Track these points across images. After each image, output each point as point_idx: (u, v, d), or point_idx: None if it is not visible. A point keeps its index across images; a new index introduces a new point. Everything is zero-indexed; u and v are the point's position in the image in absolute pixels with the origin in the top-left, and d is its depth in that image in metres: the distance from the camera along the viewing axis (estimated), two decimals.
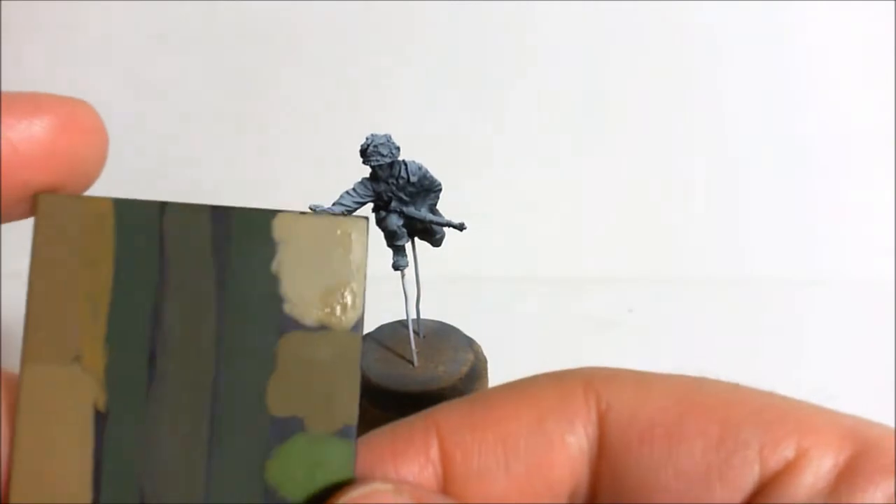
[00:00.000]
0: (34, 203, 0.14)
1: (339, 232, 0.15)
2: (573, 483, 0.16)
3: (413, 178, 0.31)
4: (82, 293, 0.14)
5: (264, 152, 0.54)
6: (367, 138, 0.31)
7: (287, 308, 0.14)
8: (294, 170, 0.54)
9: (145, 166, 0.51)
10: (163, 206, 0.14)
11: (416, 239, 0.33)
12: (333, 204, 0.31)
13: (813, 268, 0.52)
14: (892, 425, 0.34)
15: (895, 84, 0.52)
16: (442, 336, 0.36)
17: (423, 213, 0.32)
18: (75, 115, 0.14)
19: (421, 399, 0.32)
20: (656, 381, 0.16)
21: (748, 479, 0.15)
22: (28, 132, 0.13)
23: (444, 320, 0.37)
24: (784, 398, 0.16)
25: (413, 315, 0.34)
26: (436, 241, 0.33)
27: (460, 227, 0.32)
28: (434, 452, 0.15)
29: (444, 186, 0.32)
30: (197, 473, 0.14)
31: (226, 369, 0.14)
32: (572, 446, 0.15)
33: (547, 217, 0.54)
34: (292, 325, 0.14)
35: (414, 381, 0.33)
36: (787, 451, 0.15)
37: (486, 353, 0.36)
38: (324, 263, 0.15)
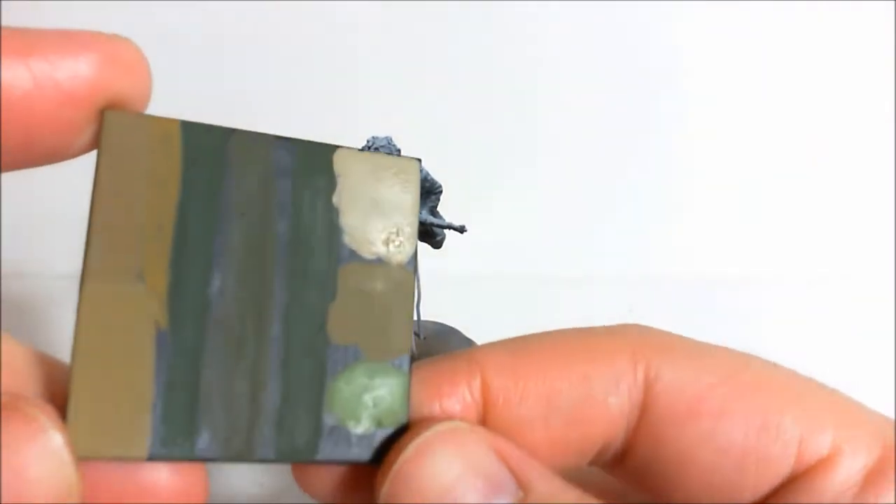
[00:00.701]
0: (100, 119, 0.13)
1: (393, 170, 0.15)
2: (608, 440, 0.16)
3: None
4: (148, 212, 0.14)
5: None
6: (367, 140, 0.31)
7: (346, 239, 0.15)
8: None
9: None
10: (230, 132, 0.14)
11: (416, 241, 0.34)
12: None
13: (813, 268, 0.52)
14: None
15: (895, 86, 0.52)
16: (442, 338, 0.36)
17: (424, 215, 0.32)
18: (118, 51, 0.14)
19: None
20: (706, 354, 0.16)
21: (782, 468, 0.15)
22: (72, 70, 0.13)
23: (444, 322, 0.37)
24: (821, 385, 0.16)
25: (413, 317, 0.35)
26: (436, 243, 0.33)
27: (461, 230, 0.32)
28: (477, 394, 0.15)
29: (444, 188, 0.32)
30: (259, 396, 0.14)
31: (288, 295, 0.14)
32: (613, 407, 0.15)
33: (547, 217, 0.54)
34: (351, 256, 0.15)
35: None
36: (823, 446, 0.15)
37: None
38: (379, 200, 0.15)
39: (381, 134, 0.31)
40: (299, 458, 0.14)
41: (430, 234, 0.33)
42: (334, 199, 0.15)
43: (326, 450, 0.14)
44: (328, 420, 0.14)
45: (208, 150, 0.14)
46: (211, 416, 0.14)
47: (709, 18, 0.53)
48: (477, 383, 0.15)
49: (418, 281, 0.34)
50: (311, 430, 0.14)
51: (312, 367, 0.14)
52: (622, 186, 0.55)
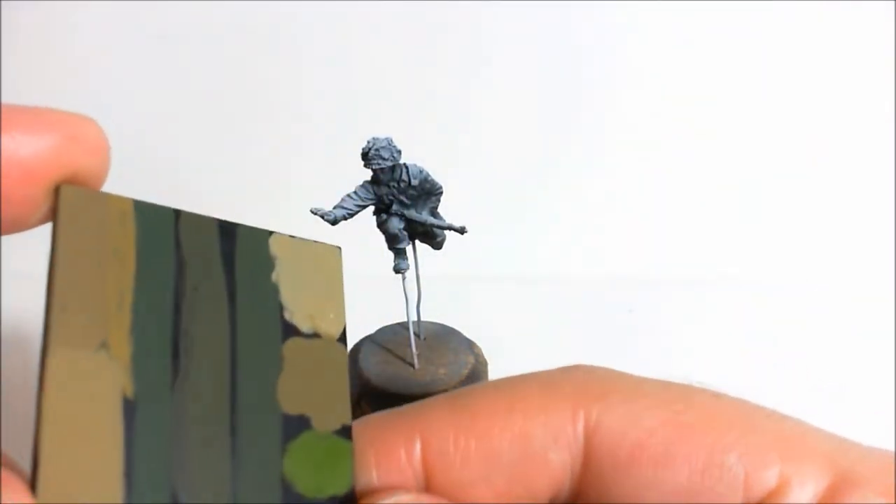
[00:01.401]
0: (56, 194, 0.14)
1: (316, 255, 0.17)
2: (554, 492, 0.16)
3: (414, 182, 0.31)
4: (108, 282, 0.14)
5: (265, 155, 0.54)
6: (368, 141, 0.31)
7: (287, 315, 0.16)
8: (295, 172, 0.54)
9: (146, 167, 0.51)
10: (177, 213, 0.15)
11: (416, 242, 0.34)
12: (335, 207, 0.32)
13: (813, 268, 0.52)
14: (892, 426, 0.35)
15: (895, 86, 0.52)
16: (442, 338, 0.36)
17: (424, 216, 0.32)
18: (81, 131, 0.14)
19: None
20: (648, 394, 0.16)
21: None
22: (36, 148, 0.13)
23: (444, 322, 0.37)
24: (769, 414, 0.16)
25: (414, 317, 0.35)
26: (437, 243, 0.33)
27: (461, 231, 0.32)
28: (416, 459, 0.16)
29: (444, 189, 0.32)
30: (223, 467, 0.14)
31: (240, 369, 0.15)
32: (555, 462, 0.15)
33: (547, 218, 0.54)
34: (293, 331, 0.16)
35: (414, 383, 0.33)
36: (770, 480, 0.15)
37: (486, 354, 0.36)
38: (310, 280, 0.16)
39: (381, 136, 0.31)
40: None
41: (430, 234, 0.33)
42: (273, 278, 0.16)
43: None
44: (286, 490, 0.15)
45: (159, 228, 0.15)
46: (182, 488, 0.14)
47: (707, 19, 0.53)
48: (416, 447, 0.16)
49: (418, 281, 0.34)
50: (277, 497, 0.15)
51: (270, 437, 0.15)
52: (622, 186, 0.55)
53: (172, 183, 0.54)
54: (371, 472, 0.16)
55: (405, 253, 0.33)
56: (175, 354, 0.14)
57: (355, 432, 0.16)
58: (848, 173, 0.54)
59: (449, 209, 0.33)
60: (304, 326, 0.16)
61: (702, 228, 0.53)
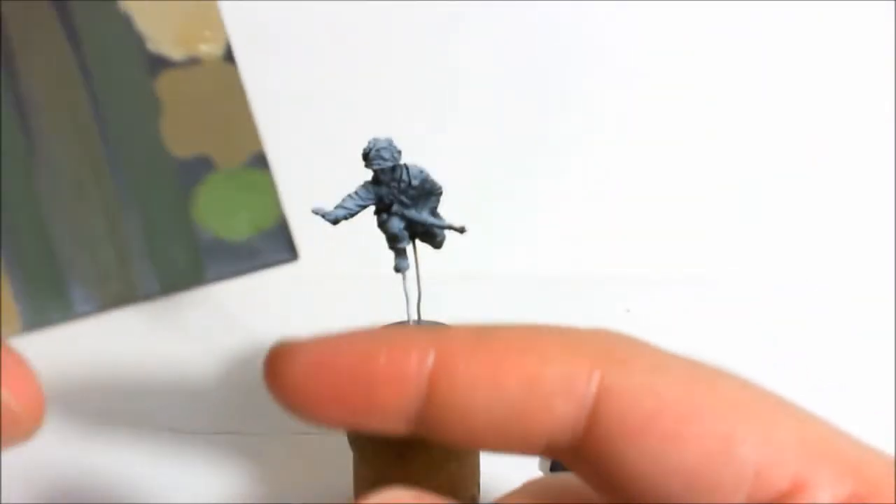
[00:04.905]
0: None
1: None
2: (549, 443, 0.15)
3: (414, 182, 0.31)
4: None
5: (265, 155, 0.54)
6: (369, 142, 0.31)
7: (150, 46, 0.13)
8: (295, 172, 0.54)
9: None
10: None
11: (417, 241, 0.34)
12: (336, 207, 0.32)
13: (813, 268, 0.52)
14: (892, 426, 0.35)
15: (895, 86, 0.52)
16: None
17: (425, 216, 0.32)
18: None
19: None
20: (671, 367, 0.15)
21: (735, 498, 0.14)
22: None
23: (444, 321, 0.37)
24: (796, 413, 0.15)
25: (414, 317, 0.35)
26: (437, 243, 0.33)
27: (461, 230, 0.32)
28: (425, 370, 0.15)
29: (444, 189, 0.32)
30: (119, 231, 0.13)
31: (110, 126, 0.13)
32: (558, 412, 0.15)
33: (546, 217, 0.54)
34: (162, 62, 0.13)
35: None
36: (783, 479, 0.14)
37: None
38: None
39: (382, 136, 0.31)
40: (187, 285, 0.13)
41: (430, 234, 0.33)
42: (121, 6, 0.13)
43: (212, 268, 0.13)
44: (204, 236, 0.13)
45: None
46: (74, 268, 0.12)
47: (708, 19, 0.53)
48: (429, 359, 0.15)
49: (419, 281, 0.34)
50: (189, 252, 0.13)
51: (165, 186, 0.13)
52: (621, 187, 0.55)
53: None
54: (377, 364, 0.15)
55: (405, 252, 0.33)
56: (26, 131, 0.12)
57: (375, 332, 0.15)
58: (848, 173, 0.54)
59: (449, 209, 0.33)
60: (176, 54, 0.14)
61: (701, 228, 0.53)
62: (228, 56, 0.14)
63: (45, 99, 0.12)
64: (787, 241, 0.53)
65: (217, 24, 0.14)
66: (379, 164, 0.31)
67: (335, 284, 0.49)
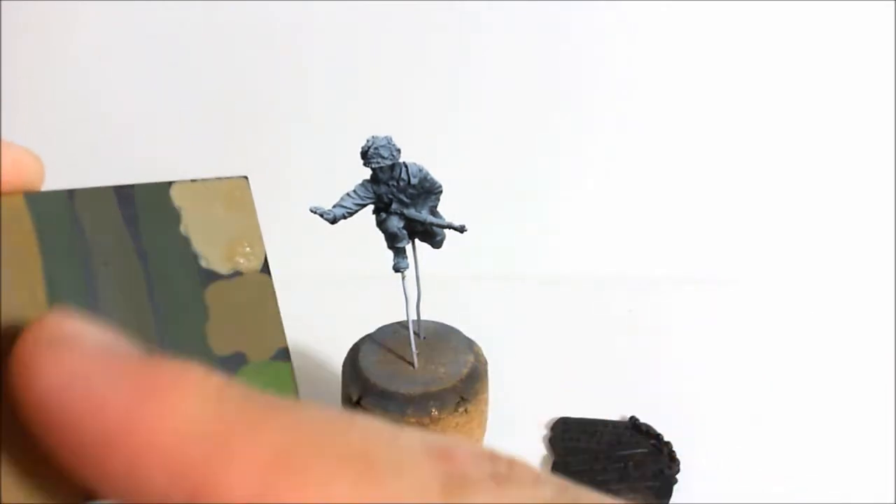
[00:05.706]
0: None
1: (224, 192, 0.17)
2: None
3: (413, 181, 0.31)
4: (16, 286, 0.14)
5: (265, 154, 0.54)
6: (367, 140, 0.31)
7: (204, 263, 0.16)
8: (295, 172, 0.54)
9: (145, 167, 0.51)
10: (70, 193, 0.15)
11: (416, 241, 0.33)
12: (334, 206, 0.31)
13: (813, 268, 0.52)
14: (892, 426, 0.35)
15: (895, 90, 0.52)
16: (442, 337, 0.36)
17: (424, 215, 0.32)
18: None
19: (422, 400, 0.33)
20: None
21: None
22: None
23: (444, 321, 0.37)
24: None
25: (413, 316, 0.34)
26: (436, 242, 0.33)
27: (461, 230, 0.32)
28: None
29: (444, 188, 0.32)
30: None
31: (166, 327, 0.15)
32: None
33: (546, 218, 0.54)
34: (212, 276, 0.16)
35: (414, 382, 0.33)
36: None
37: (486, 353, 0.36)
38: (222, 220, 0.16)
39: (380, 134, 0.31)
40: None
41: (430, 233, 0.33)
42: (182, 230, 0.16)
43: None
44: None
45: (57, 215, 0.15)
46: None
47: (707, 20, 0.53)
48: None
49: (418, 280, 0.34)
50: None
51: None
52: (622, 187, 0.55)
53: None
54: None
55: (405, 252, 0.33)
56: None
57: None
58: (848, 173, 0.54)
59: (449, 208, 0.33)
60: (223, 269, 0.16)
61: (701, 229, 0.53)
62: (264, 268, 0.17)
63: (114, 303, 0.15)
64: (787, 241, 0.53)
65: (257, 240, 0.16)
66: (378, 163, 0.31)
67: (335, 285, 0.49)
